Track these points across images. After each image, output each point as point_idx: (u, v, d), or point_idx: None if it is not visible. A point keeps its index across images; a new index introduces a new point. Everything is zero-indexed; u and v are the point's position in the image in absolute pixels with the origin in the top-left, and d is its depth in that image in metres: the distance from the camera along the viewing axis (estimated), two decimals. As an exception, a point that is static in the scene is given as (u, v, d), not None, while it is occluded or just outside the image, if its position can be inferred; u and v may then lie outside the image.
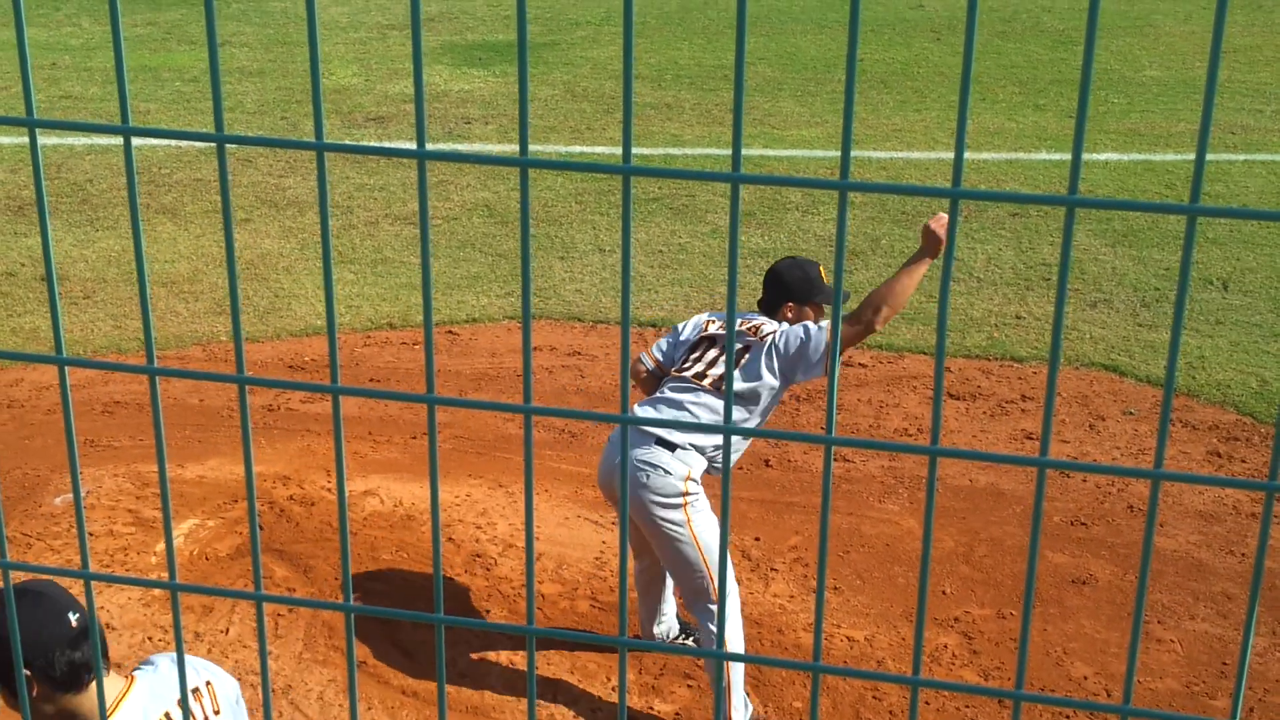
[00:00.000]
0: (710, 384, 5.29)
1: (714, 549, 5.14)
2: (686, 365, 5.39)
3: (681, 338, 5.51)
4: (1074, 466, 1.68)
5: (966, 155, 11.94)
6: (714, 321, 5.50)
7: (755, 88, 13.87)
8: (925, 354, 8.42)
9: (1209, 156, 11.91)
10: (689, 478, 5.16)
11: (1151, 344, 8.51)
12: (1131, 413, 7.76)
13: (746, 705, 5.37)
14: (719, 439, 5.19)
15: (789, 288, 5.34)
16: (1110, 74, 14.45)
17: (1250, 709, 5.51)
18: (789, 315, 5.35)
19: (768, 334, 5.23)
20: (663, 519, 5.15)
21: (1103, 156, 11.90)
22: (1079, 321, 8.82)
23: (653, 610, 5.75)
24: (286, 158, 11.64)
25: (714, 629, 5.20)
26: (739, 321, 5.37)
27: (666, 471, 5.14)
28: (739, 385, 5.17)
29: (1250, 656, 5.78)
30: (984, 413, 7.76)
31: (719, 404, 5.22)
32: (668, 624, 5.82)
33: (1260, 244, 9.97)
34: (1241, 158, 11.93)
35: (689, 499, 5.17)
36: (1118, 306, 9.06)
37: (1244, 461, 7.22)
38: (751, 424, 5.24)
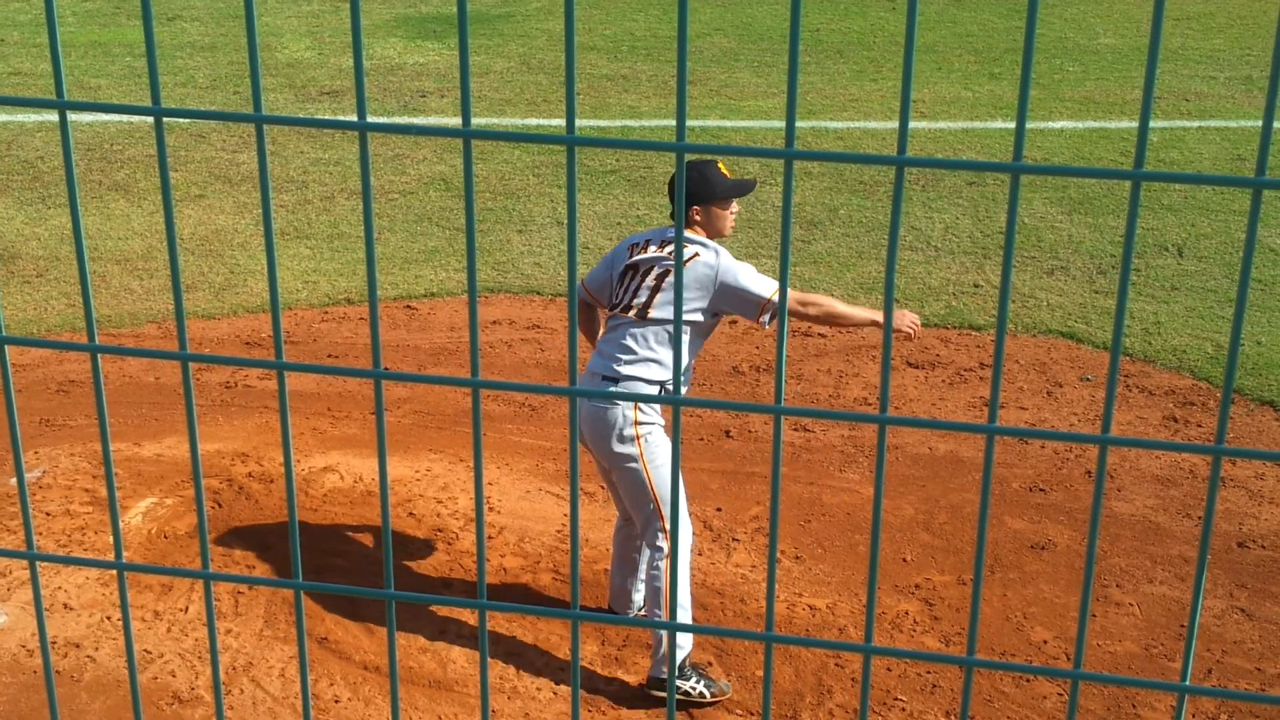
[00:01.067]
0: (635, 314, 5.35)
1: (662, 479, 5.34)
2: (618, 299, 5.46)
3: (615, 271, 5.54)
4: (1023, 433, 1.69)
5: (922, 125, 11.96)
6: (639, 246, 5.53)
7: (711, 58, 13.83)
8: (884, 323, 8.44)
9: (1163, 124, 11.96)
10: (637, 408, 5.31)
11: (1108, 310, 8.56)
12: (1089, 379, 7.81)
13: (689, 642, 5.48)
14: (664, 373, 5.32)
15: (689, 192, 5.34)
16: (1065, 42, 14.49)
17: (1209, 670, 5.57)
18: (697, 218, 5.37)
19: (689, 259, 5.28)
20: (618, 453, 5.32)
21: (1058, 125, 11.94)
22: (1036, 289, 8.86)
23: (628, 574, 5.75)
24: (240, 132, 11.54)
25: (660, 564, 5.36)
26: (655, 246, 5.48)
27: (613, 405, 5.29)
28: (663, 313, 5.33)
29: (1208, 619, 5.84)
30: (943, 381, 7.79)
31: (651, 334, 5.34)
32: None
33: (1215, 210, 10.03)
34: (1195, 124, 11.99)
35: (640, 429, 5.33)
36: (1074, 274, 9.10)
37: (1200, 426, 7.28)
38: (685, 355, 5.36)
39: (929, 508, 6.63)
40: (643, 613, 5.69)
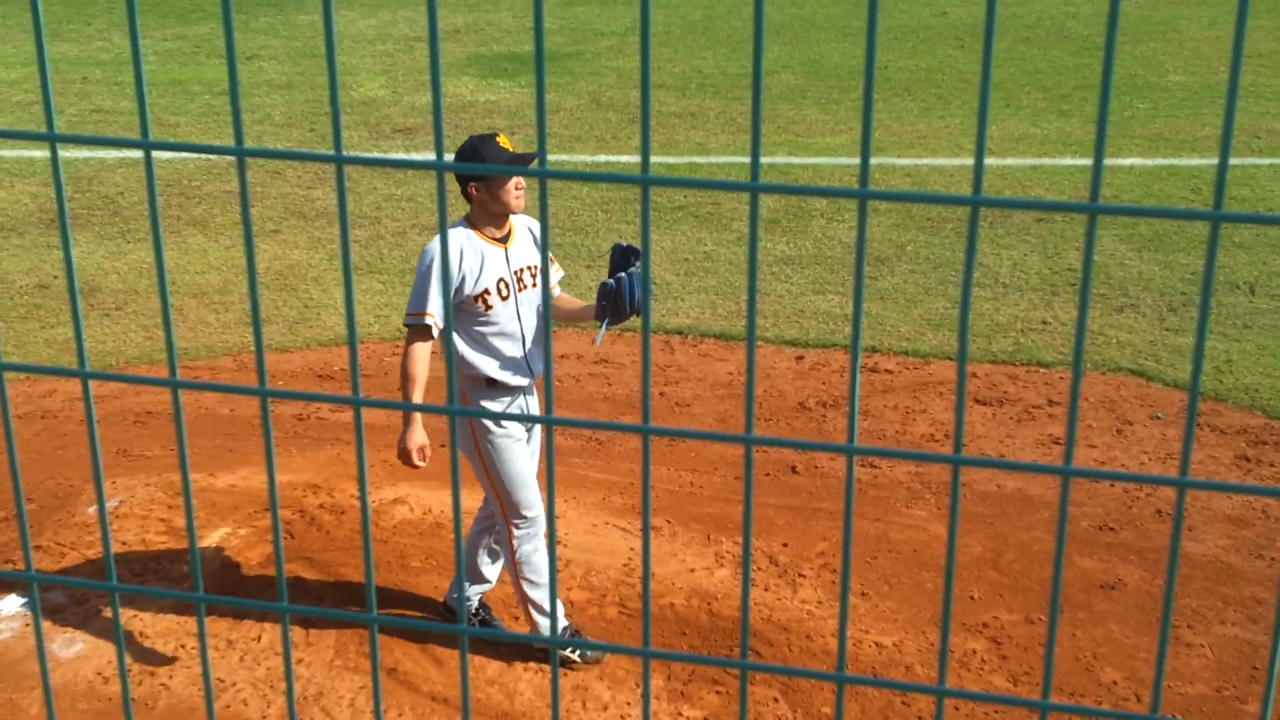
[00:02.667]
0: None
1: (503, 477, 5.53)
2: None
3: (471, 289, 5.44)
4: (1099, 475, 1.69)
5: (991, 161, 11.92)
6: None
7: (780, 96, 13.87)
8: (952, 360, 8.41)
9: (1235, 161, 11.85)
10: (465, 398, 5.52)
11: (1178, 348, 8.48)
12: (1159, 417, 7.73)
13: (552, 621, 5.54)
14: (492, 368, 5.48)
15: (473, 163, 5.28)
16: (1135, 79, 14.40)
17: (1281, 714, 5.48)
18: (477, 194, 5.36)
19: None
20: (461, 448, 5.56)
21: (1128, 161, 11.86)
22: (1106, 326, 8.79)
23: (476, 552, 5.94)
24: (315, 169, 11.71)
25: (507, 553, 5.71)
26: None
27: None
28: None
29: (1281, 662, 5.75)
30: (1010, 418, 7.74)
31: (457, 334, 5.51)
32: (482, 588, 6.03)
33: (1289, 247, 9.92)
34: (1267, 162, 11.87)
35: (476, 427, 5.50)
36: (1144, 311, 9.03)
37: (1272, 465, 7.19)
38: (483, 348, 5.48)
39: (997, 545, 6.59)
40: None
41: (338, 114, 1.52)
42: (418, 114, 13.43)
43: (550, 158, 12.13)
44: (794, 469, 7.27)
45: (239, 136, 1.52)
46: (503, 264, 5.42)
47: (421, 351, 5.35)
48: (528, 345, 5.55)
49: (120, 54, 15.61)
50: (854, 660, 5.82)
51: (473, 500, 6.85)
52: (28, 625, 6.00)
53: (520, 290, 5.47)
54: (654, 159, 12.05)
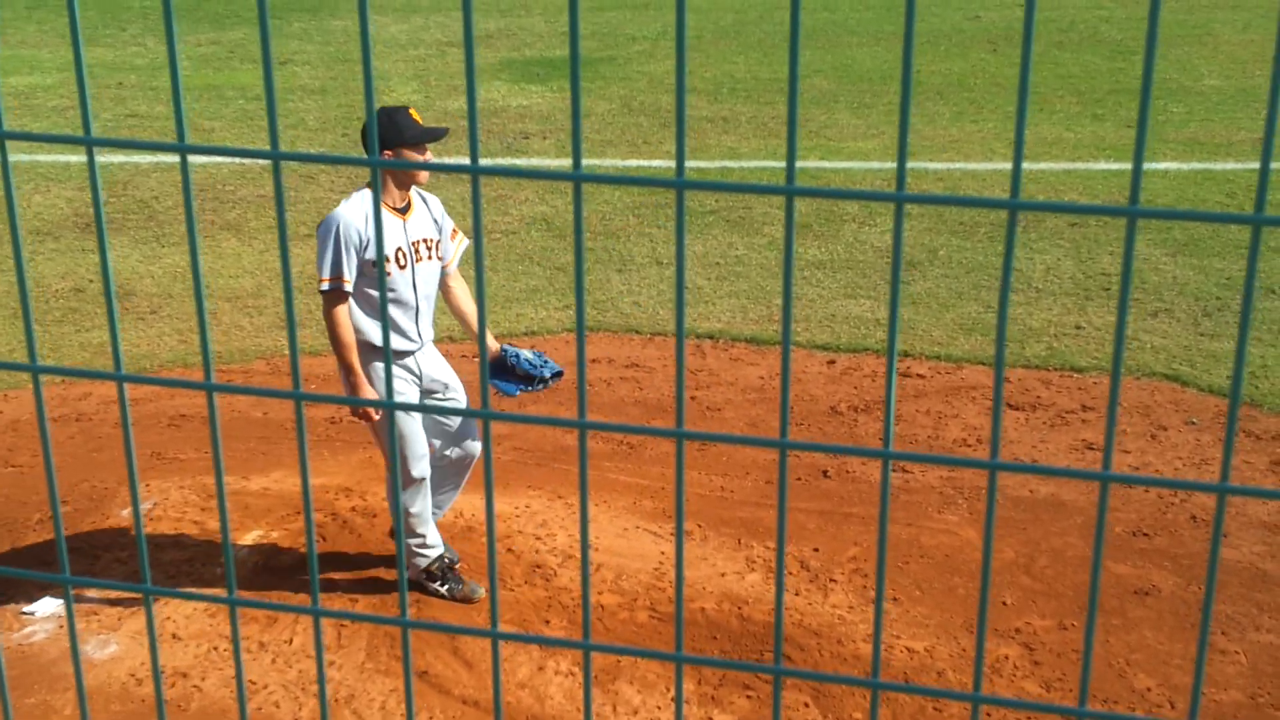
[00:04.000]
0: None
1: (400, 433, 5.75)
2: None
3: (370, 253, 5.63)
4: (1138, 480, 1.68)
5: (1025, 165, 11.87)
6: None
7: (812, 100, 13.84)
8: (984, 364, 8.37)
9: (1271, 165, 11.76)
10: (356, 374, 5.71)
11: (1214, 353, 8.42)
12: (1194, 422, 7.68)
13: (434, 550, 6.11)
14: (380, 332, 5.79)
15: (380, 137, 5.46)
16: (1169, 83, 14.32)
17: (1318, 723, 5.43)
18: (397, 157, 5.50)
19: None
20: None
21: (1163, 165, 11.79)
22: (1140, 331, 8.74)
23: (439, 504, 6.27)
24: (348, 173, 11.76)
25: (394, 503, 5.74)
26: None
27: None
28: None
29: (1318, 670, 5.70)
30: (1044, 423, 7.70)
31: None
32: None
33: (1326, 251, 9.84)
34: (1306, 164, 11.79)
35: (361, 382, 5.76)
36: (1179, 316, 8.97)
37: (1311, 472, 7.13)
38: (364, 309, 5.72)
39: (1030, 551, 6.55)
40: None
41: (372, 119, 1.52)
42: (449, 118, 13.46)
43: (584, 161, 12.14)
44: (825, 473, 7.25)
45: (274, 141, 1.53)
46: (401, 234, 5.67)
47: (344, 314, 5.61)
48: (420, 314, 5.83)
49: (155, 59, 15.70)
50: (886, 665, 5.79)
51: (504, 504, 6.87)
52: (62, 627, 6.04)
53: (417, 261, 5.73)
54: (687, 163, 12.04)
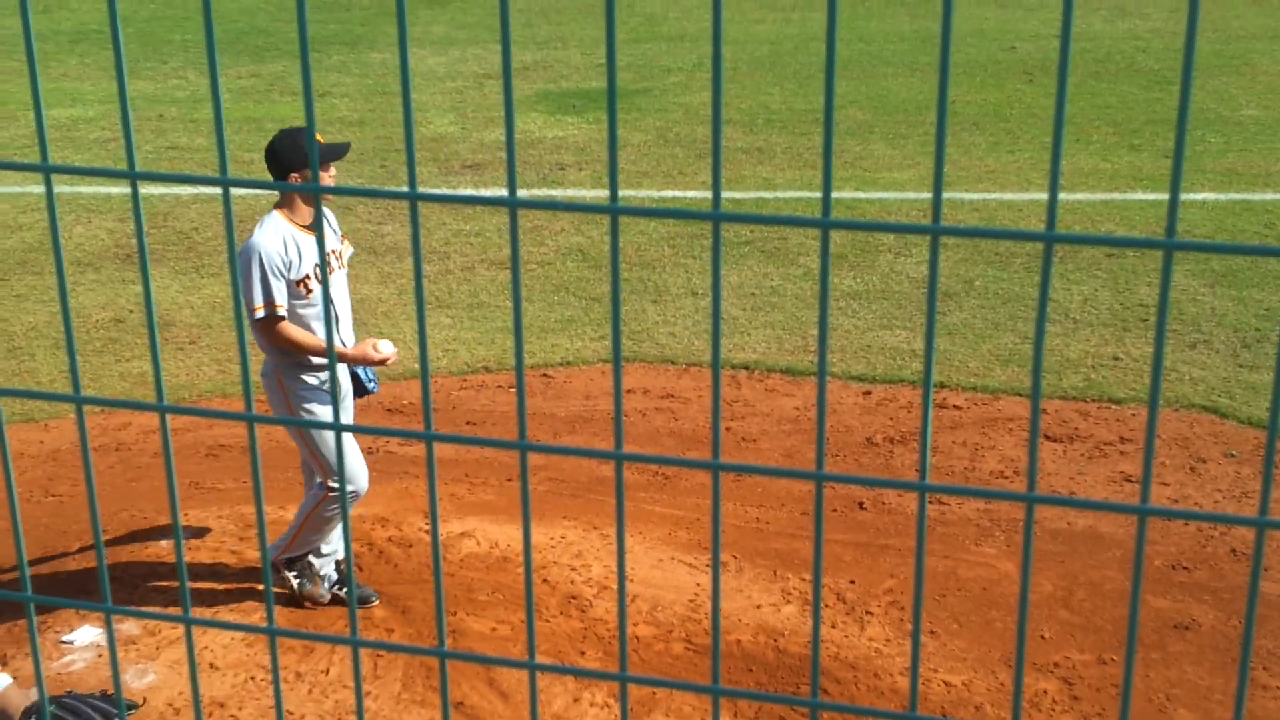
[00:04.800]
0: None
1: (318, 444, 5.93)
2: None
3: (296, 273, 5.85)
4: (1177, 514, 1.67)
5: (1061, 196, 11.83)
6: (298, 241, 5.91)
7: (847, 131, 13.86)
8: (1020, 396, 8.34)
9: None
10: (280, 380, 5.94)
11: (1253, 385, 8.36)
12: (1233, 455, 7.62)
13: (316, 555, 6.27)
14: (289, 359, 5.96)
15: (283, 160, 5.79)
16: (1207, 113, 14.26)
17: (1362, 760, 5.37)
18: (295, 182, 5.75)
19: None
20: (275, 411, 6.02)
21: (1200, 196, 11.74)
22: (1178, 363, 8.69)
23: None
24: (385, 205, 11.83)
25: (309, 504, 6.12)
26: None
27: (265, 375, 6.01)
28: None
29: (1362, 705, 5.63)
30: (1081, 455, 7.66)
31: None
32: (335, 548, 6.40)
33: (1367, 282, 9.76)
34: (1346, 195, 11.71)
35: (289, 396, 5.95)
36: (1217, 347, 8.91)
37: (1353, 505, 7.06)
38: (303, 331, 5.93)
39: (1068, 584, 6.51)
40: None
41: (412, 152, 1.54)
42: (486, 150, 13.54)
43: (620, 193, 12.17)
44: (861, 505, 7.23)
45: (315, 174, 1.54)
46: (316, 249, 5.87)
47: (288, 328, 5.83)
48: (340, 322, 6.04)
49: (195, 91, 15.86)
50: (923, 699, 5.76)
51: (539, 534, 6.87)
52: (101, 656, 6.07)
53: (330, 272, 5.93)
54: (721, 194, 12.07)
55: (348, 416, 6.27)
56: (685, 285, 10.15)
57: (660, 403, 8.38)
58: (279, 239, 5.75)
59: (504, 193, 12.49)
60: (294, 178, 5.73)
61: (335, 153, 5.79)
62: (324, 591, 6.33)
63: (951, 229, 1.59)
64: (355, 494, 6.09)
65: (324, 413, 5.96)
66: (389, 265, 10.62)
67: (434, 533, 1.66)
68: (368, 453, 7.81)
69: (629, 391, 8.52)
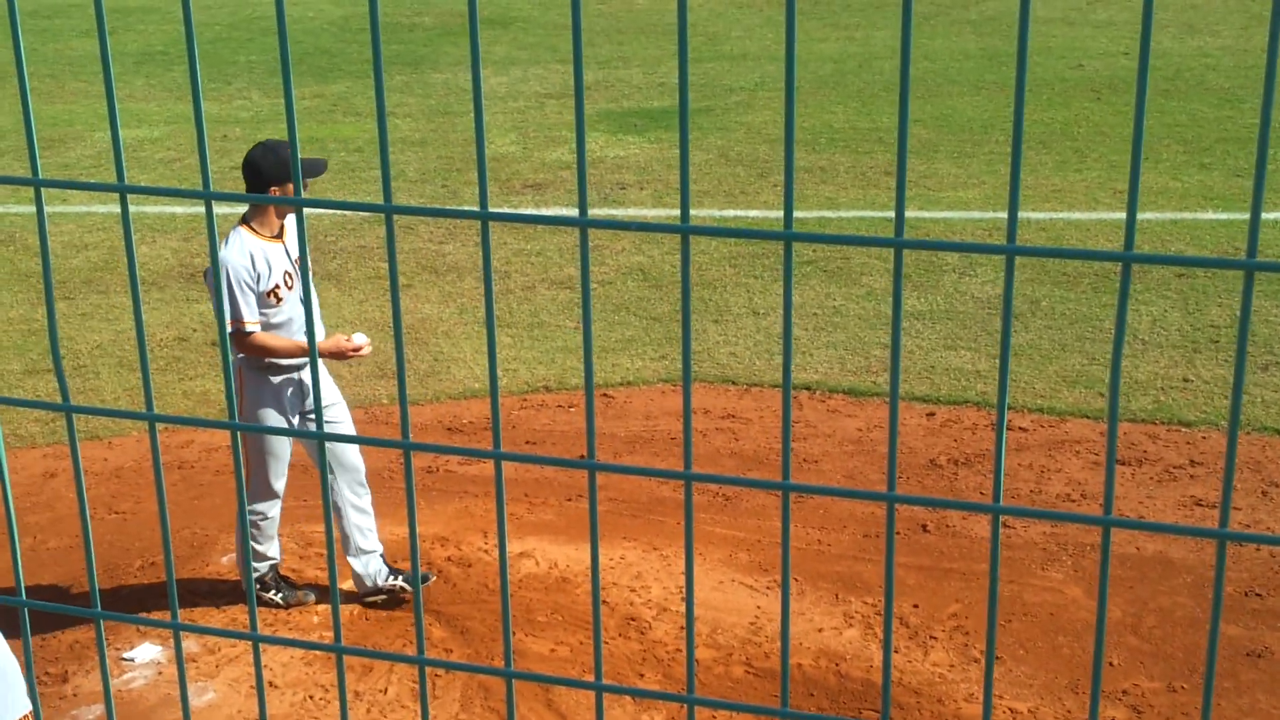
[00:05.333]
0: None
1: (257, 451, 6.10)
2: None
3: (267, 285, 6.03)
4: (1255, 539, 1.63)
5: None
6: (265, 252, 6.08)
7: (911, 149, 13.78)
8: (1088, 418, 8.23)
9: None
10: (240, 379, 6.09)
11: (1328, 408, 8.20)
12: (1307, 480, 7.48)
13: (266, 561, 6.43)
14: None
15: (265, 173, 5.91)
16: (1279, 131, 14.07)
17: None
18: (274, 194, 5.90)
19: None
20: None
21: (1273, 215, 11.57)
22: (1250, 385, 8.55)
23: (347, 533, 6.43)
24: (446, 225, 11.88)
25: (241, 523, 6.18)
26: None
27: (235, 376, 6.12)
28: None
29: None
30: (1150, 478, 7.55)
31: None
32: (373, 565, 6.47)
33: None
34: None
35: (245, 401, 6.08)
36: (1291, 369, 8.76)
37: None
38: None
39: (1137, 610, 6.41)
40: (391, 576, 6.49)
41: (484, 171, 1.53)
42: (547, 170, 13.58)
43: (676, 212, 12.17)
44: (925, 527, 7.15)
45: (387, 194, 1.53)
46: (283, 258, 6.08)
47: (262, 336, 5.97)
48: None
49: (259, 112, 16.02)
50: (988, 725, 5.68)
51: (600, 556, 6.85)
52: (160, 673, 6.11)
53: (297, 280, 6.16)
54: (782, 214, 12.01)
55: (342, 418, 6.42)
56: (747, 305, 10.11)
57: (721, 423, 8.34)
58: (245, 254, 5.93)
59: (566, 212, 12.51)
60: (275, 190, 5.91)
61: (314, 169, 5.99)
62: (306, 592, 6.52)
63: (1027, 249, 1.56)
64: (279, 495, 6.30)
65: (275, 419, 6.11)
66: (449, 285, 10.66)
67: (501, 551, 1.64)
68: (427, 471, 7.82)
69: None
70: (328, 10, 21.47)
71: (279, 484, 6.30)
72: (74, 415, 1.70)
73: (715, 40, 18.86)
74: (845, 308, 9.97)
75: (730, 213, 12.16)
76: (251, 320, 5.92)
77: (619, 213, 12.20)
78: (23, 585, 1.74)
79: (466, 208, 12.81)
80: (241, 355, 6.06)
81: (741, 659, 6.12)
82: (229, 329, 5.88)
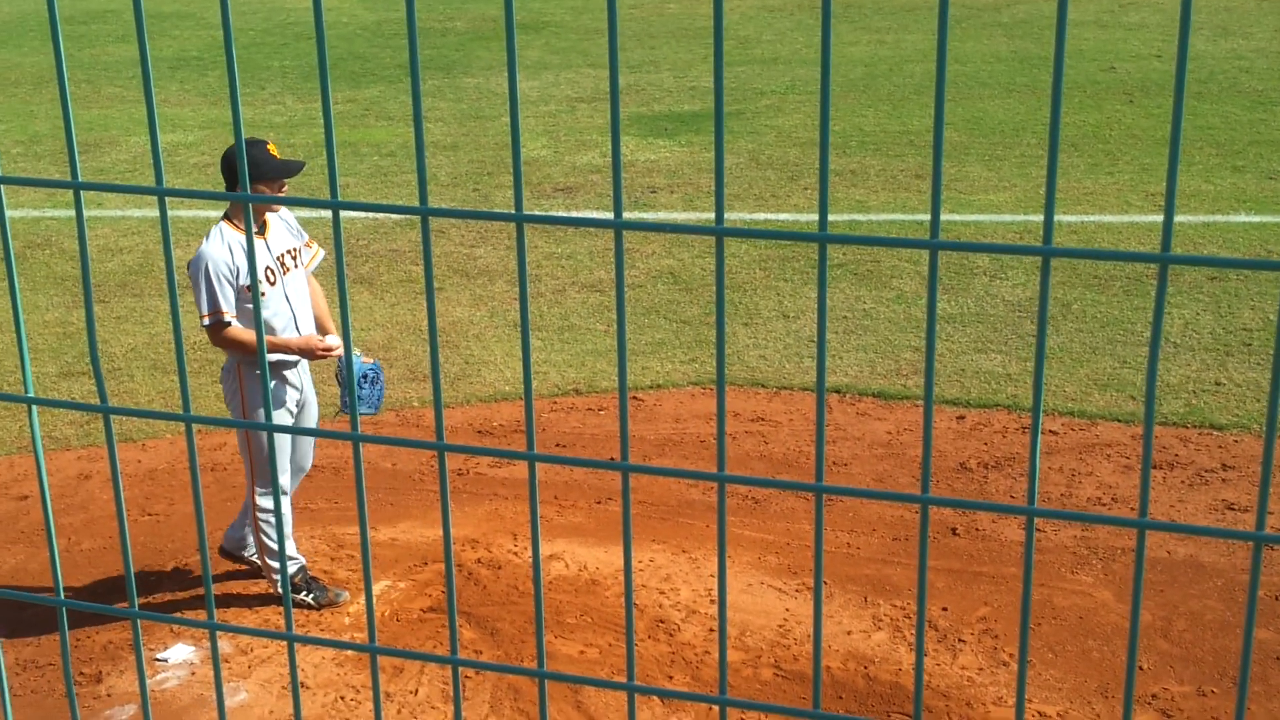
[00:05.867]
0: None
1: (256, 444, 6.10)
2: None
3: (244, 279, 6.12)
4: (1288, 541, 1.62)
5: (1161, 218, 11.65)
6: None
7: (943, 152, 13.74)
8: (1119, 421, 8.20)
9: None
10: (240, 377, 6.14)
11: (1362, 413, 8.15)
12: (1341, 484, 7.43)
13: (294, 562, 6.51)
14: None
15: (235, 170, 5.90)
16: (1313, 133, 13.98)
17: None
18: (266, 193, 6.03)
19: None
20: (229, 408, 6.31)
21: (1306, 218, 11.50)
22: (1283, 389, 8.50)
23: (244, 522, 6.59)
24: (477, 228, 11.91)
25: (249, 512, 6.39)
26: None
27: (226, 370, 6.29)
28: None
29: None
30: (1182, 482, 7.51)
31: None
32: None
33: None
34: None
35: (246, 394, 6.14)
36: (1325, 373, 8.71)
37: None
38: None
39: (1167, 614, 6.38)
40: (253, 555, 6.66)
41: (519, 174, 1.54)
42: (578, 173, 13.60)
43: (710, 215, 12.17)
44: (954, 531, 7.14)
45: (423, 197, 1.55)
46: (265, 253, 6.16)
47: (237, 330, 6.04)
48: (299, 322, 6.27)
49: (292, 117, 16.10)
50: (1018, 730, 5.67)
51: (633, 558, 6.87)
52: (193, 674, 6.14)
53: (284, 273, 6.20)
54: (812, 216, 12.01)
55: (310, 419, 6.49)
56: (776, 308, 10.11)
57: (750, 426, 8.34)
58: (224, 247, 6.03)
59: (597, 215, 12.52)
60: (259, 187, 6.04)
61: (288, 170, 6.06)
62: (338, 591, 6.57)
63: (1063, 250, 1.56)
64: (286, 492, 6.38)
65: (275, 414, 6.26)
66: (480, 288, 10.69)
67: (535, 553, 1.65)
68: (457, 474, 7.85)
69: (720, 414, 8.49)
70: (361, 15, 21.56)
71: (285, 479, 6.40)
72: (111, 417, 1.71)
73: (746, 44, 18.85)
74: (875, 310, 9.96)
75: (761, 216, 12.16)
76: (229, 313, 6.03)
77: (649, 216, 12.22)
78: (61, 586, 1.76)
79: (500, 211, 12.86)
80: (237, 356, 6.17)
81: (770, 661, 6.12)
82: (207, 320, 6.04)
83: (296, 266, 6.31)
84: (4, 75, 18.44)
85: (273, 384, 6.26)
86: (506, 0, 1.60)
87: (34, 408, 1.70)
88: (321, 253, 6.75)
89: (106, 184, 1.62)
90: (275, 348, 6.10)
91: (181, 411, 1.65)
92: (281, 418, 6.29)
